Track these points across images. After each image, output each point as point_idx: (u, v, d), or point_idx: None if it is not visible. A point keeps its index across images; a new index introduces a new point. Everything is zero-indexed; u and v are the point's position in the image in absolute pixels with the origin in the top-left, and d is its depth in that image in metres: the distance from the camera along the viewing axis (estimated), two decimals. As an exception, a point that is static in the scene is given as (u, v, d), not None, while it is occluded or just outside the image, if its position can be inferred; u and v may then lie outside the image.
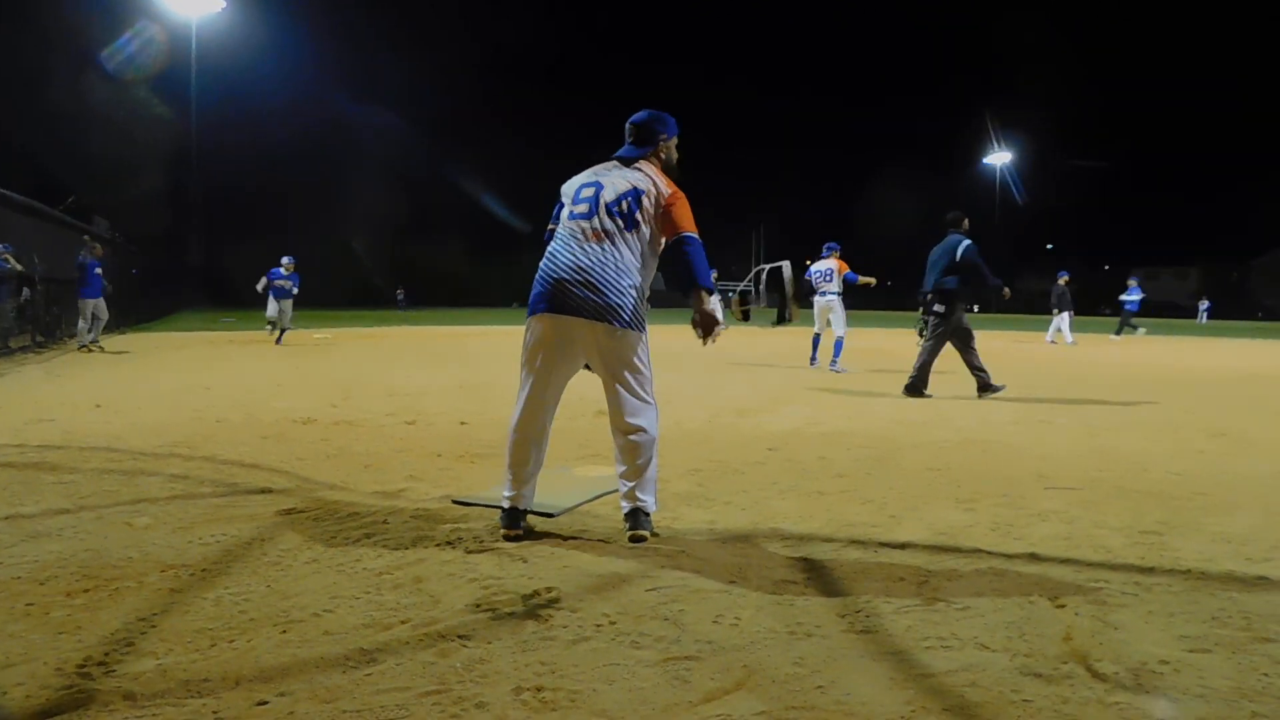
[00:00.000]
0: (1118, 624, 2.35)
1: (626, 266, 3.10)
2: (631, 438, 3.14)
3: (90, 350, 12.22)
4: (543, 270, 3.18)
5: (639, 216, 3.14)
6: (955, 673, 2.03)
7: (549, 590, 2.56)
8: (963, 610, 2.44)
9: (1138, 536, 3.27)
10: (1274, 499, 3.94)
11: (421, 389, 8.11)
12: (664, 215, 3.16)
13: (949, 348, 7.83)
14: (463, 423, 5.98)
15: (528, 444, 3.17)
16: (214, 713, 1.79)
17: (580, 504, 3.61)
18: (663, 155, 3.36)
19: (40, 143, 24.92)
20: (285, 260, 15.30)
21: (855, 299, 12.24)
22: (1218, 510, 3.69)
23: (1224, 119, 79.49)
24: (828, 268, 10.78)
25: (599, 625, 2.30)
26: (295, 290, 15.47)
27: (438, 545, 3.01)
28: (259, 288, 15.68)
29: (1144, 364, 13.30)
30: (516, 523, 3.13)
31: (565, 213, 3.23)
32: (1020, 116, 66.70)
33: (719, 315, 3.16)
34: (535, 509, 3.31)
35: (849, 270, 10.76)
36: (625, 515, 3.16)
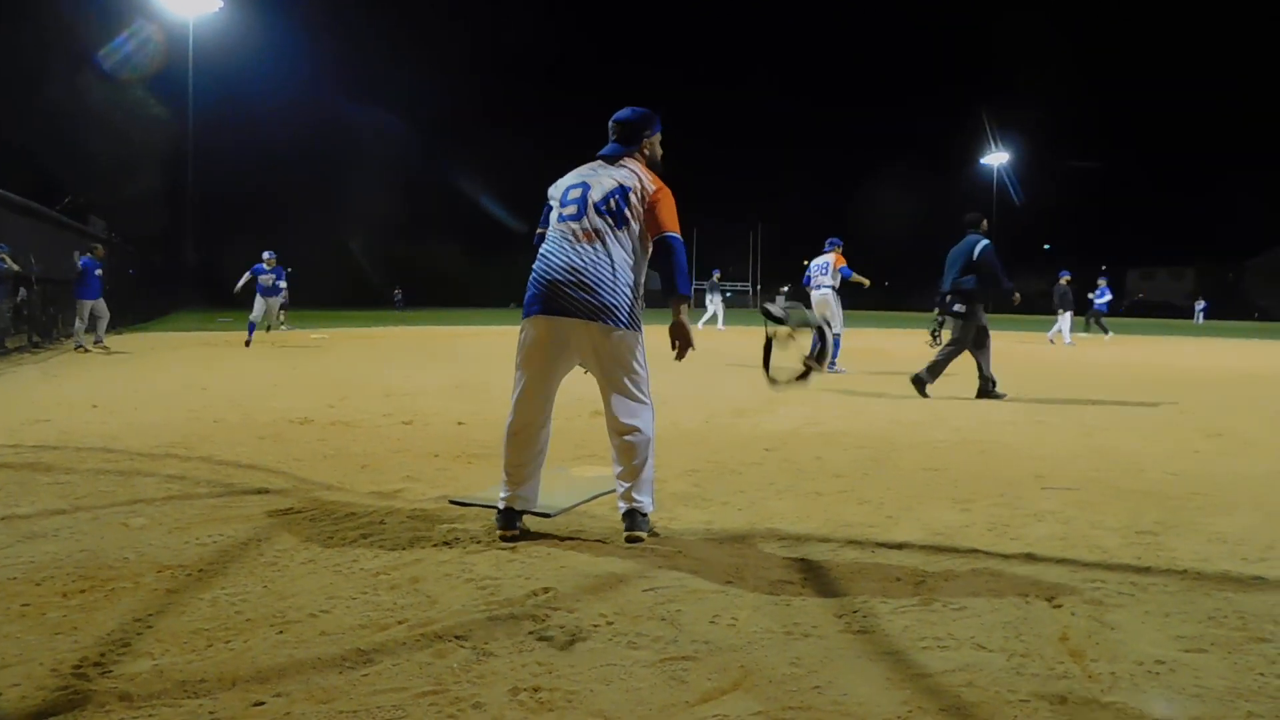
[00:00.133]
0: (1114, 624, 2.36)
1: (620, 265, 3.10)
2: (627, 438, 3.14)
3: (89, 350, 12.20)
4: (536, 272, 3.17)
5: (628, 213, 3.14)
6: (952, 673, 2.03)
7: (546, 590, 2.56)
8: (959, 610, 2.44)
9: (1134, 536, 3.27)
10: (1270, 499, 3.94)
11: (418, 389, 8.11)
12: (649, 211, 3.16)
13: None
14: (460, 423, 5.98)
15: (523, 445, 3.17)
16: (210, 713, 1.79)
17: (577, 504, 3.61)
18: (647, 152, 3.35)
19: (37, 143, 24.85)
20: (266, 255, 14.17)
21: (853, 299, 12.23)
22: (1214, 510, 3.70)
23: (1221, 120, 79.70)
24: (825, 261, 10.76)
25: (596, 625, 2.30)
26: (283, 285, 14.55)
27: (435, 546, 3.01)
28: (237, 289, 14.45)
29: (1141, 364, 13.33)
30: (513, 523, 3.13)
31: (555, 215, 3.23)
32: (1017, 117, 66.73)
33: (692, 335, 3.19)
34: (533, 510, 3.31)
35: (845, 265, 10.73)
36: (622, 516, 3.16)
